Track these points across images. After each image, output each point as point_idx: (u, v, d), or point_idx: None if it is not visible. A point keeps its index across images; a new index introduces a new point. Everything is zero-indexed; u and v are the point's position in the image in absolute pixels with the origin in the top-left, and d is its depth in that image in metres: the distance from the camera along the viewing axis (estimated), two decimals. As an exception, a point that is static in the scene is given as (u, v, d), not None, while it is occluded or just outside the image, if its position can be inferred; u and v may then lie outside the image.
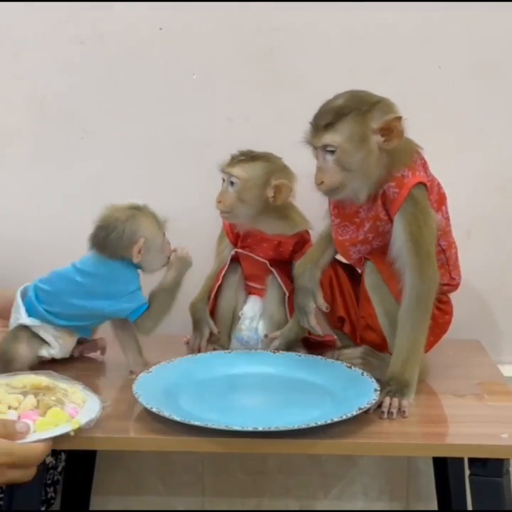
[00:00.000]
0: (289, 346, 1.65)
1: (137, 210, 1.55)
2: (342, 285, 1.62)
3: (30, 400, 1.34)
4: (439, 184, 1.55)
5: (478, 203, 1.83)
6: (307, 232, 1.69)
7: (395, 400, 1.41)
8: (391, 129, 1.45)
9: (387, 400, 1.42)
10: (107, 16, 1.79)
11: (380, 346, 1.57)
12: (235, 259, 1.70)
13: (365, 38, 1.78)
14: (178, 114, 1.82)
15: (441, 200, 1.56)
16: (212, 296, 1.70)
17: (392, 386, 1.44)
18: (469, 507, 1.45)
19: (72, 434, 1.29)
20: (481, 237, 1.83)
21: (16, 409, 1.32)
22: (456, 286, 1.62)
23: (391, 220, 1.49)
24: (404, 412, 1.41)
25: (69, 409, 1.34)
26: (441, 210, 1.55)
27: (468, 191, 1.80)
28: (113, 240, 1.53)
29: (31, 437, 1.26)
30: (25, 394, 1.35)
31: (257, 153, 1.63)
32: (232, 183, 1.61)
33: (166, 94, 1.82)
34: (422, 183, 1.48)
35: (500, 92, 1.80)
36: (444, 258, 1.57)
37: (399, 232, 1.47)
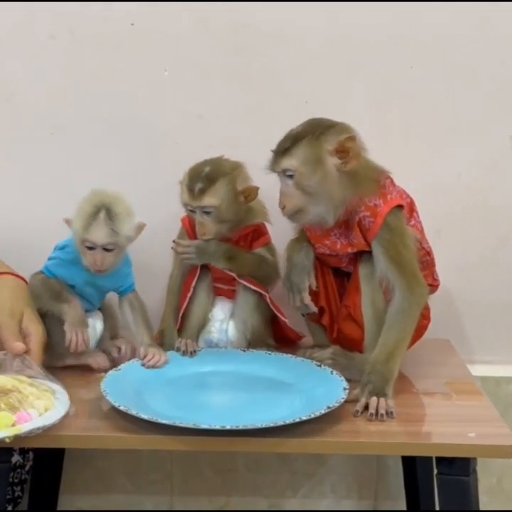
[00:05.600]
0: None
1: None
2: (325, 276, 1.63)
3: None
4: (404, 192, 1.57)
5: (448, 203, 1.83)
6: (264, 225, 1.68)
7: (382, 401, 1.41)
8: (347, 150, 1.46)
9: (374, 401, 1.41)
10: (77, 10, 1.77)
11: (356, 341, 1.57)
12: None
13: (335, 37, 1.77)
14: (148, 111, 1.81)
15: (411, 208, 1.58)
16: (184, 308, 1.67)
17: (372, 378, 1.44)
18: (438, 506, 1.45)
19: (7, 441, 1.28)
20: (451, 236, 1.84)
21: None
22: (437, 287, 1.64)
23: (369, 244, 1.52)
24: (392, 413, 1.41)
25: (22, 415, 1.31)
26: (413, 217, 1.58)
27: (438, 191, 1.81)
28: None
29: None
30: None
31: (208, 172, 1.59)
32: (206, 213, 1.59)
33: (137, 90, 1.81)
34: (396, 206, 1.51)
35: (471, 92, 1.80)
36: (430, 259, 1.61)
37: (379, 256, 1.51)
